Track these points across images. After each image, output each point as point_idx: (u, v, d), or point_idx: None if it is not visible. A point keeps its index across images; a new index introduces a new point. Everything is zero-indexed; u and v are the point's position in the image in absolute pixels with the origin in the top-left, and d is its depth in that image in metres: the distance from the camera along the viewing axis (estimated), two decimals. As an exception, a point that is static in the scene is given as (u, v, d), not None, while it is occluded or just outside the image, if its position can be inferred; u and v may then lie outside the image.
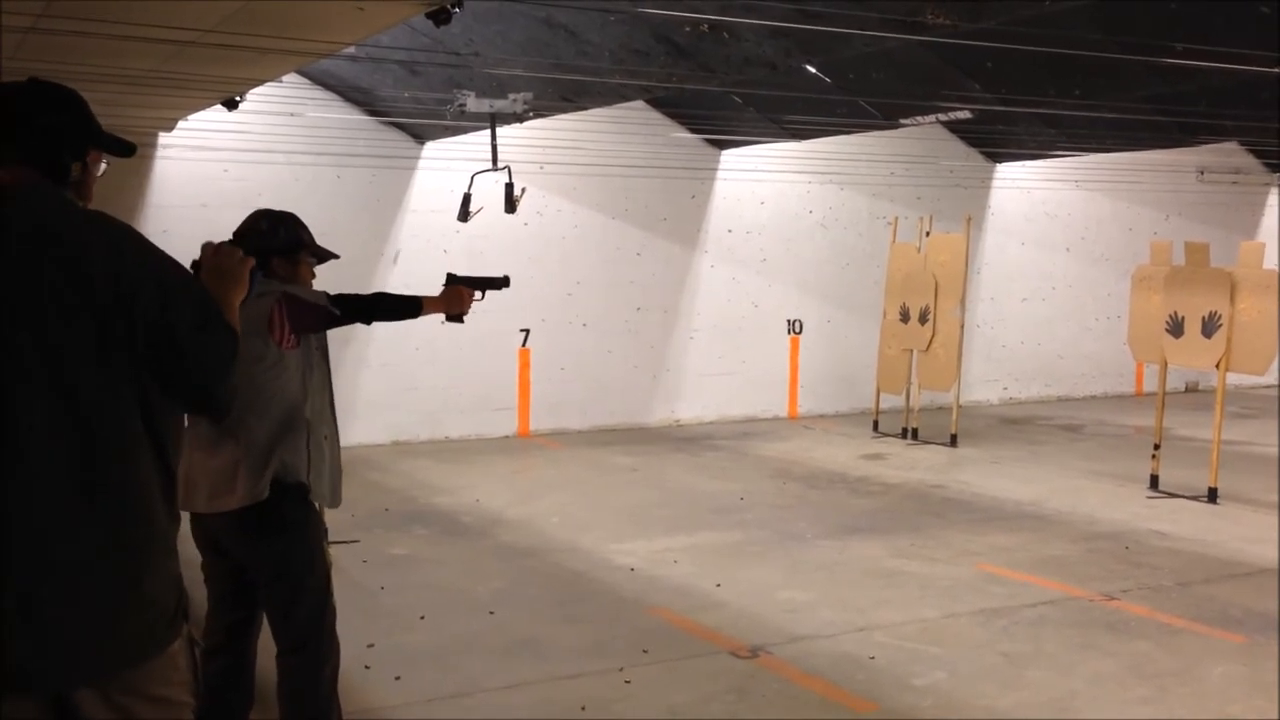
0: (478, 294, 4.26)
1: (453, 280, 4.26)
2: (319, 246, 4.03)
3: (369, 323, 4.19)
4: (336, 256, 4.08)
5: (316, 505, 3.91)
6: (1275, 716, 4.76)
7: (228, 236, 3.90)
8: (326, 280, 4.22)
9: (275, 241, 3.88)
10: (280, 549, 3.80)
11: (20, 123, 2.33)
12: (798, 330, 12.92)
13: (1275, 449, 11.04)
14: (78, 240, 2.21)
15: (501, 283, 4.37)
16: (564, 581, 6.60)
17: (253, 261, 2.57)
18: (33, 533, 2.15)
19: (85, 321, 2.18)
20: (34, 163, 2.32)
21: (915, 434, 11.42)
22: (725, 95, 9.89)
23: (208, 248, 2.56)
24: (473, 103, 8.33)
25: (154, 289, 2.23)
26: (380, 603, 6.15)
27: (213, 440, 3.70)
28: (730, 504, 8.59)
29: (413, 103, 9.27)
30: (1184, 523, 8.09)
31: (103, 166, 2.49)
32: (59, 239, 2.21)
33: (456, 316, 4.24)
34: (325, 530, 4.06)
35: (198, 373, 2.31)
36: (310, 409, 3.82)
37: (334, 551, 6.80)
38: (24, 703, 2.18)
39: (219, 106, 8.20)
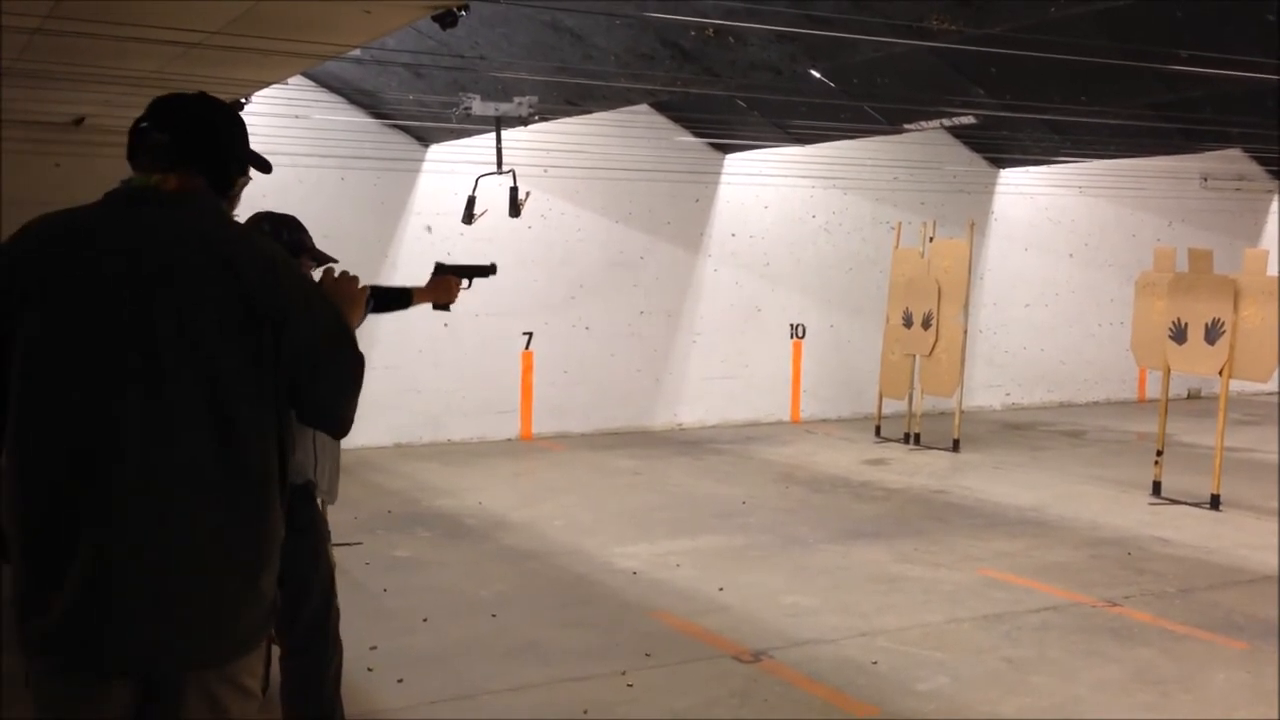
0: (465, 282, 4.26)
1: (441, 269, 4.27)
2: (319, 251, 4.02)
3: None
4: (335, 261, 4.07)
5: (321, 504, 3.90)
6: (1278, 724, 4.76)
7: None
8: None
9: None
10: (286, 550, 3.80)
11: (202, 134, 2.44)
12: (801, 334, 12.92)
13: (1277, 456, 11.03)
14: (237, 252, 2.31)
15: (488, 270, 4.39)
16: (566, 584, 6.60)
17: (368, 290, 2.67)
18: (172, 518, 2.22)
19: (236, 324, 2.26)
20: (206, 172, 2.43)
21: (918, 439, 11.42)
22: (730, 99, 9.90)
23: (329, 275, 2.71)
24: (478, 106, 8.33)
25: (301, 307, 2.34)
26: (383, 605, 6.15)
27: None
28: (733, 508, 8.59)
29: (417, 105, 9.28)
30: (1186, 529, 8.08)
31: (245, 181, 2.61)
32: (221, 247, 2.31)
33: (444, 305, 4.24)
34: (329, 532, 4.06)
35: (328, 391, 2.42)
36: None
37: (337, 553, 6.81)
38: (131, 688, 2.25)
39: (224, 108, 8.20)
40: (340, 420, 2.49)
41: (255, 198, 10.19)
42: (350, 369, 2.43)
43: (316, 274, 4.05)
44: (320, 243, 4.10)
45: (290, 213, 4.11)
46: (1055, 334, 14.54)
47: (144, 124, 2.41)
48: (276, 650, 3.90)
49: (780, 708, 4.83)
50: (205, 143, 2.44)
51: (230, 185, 2.49)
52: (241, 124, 2.54)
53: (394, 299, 4.10)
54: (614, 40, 6.93)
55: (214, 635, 2.26)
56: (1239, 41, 6.74)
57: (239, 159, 2.51)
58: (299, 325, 2.31)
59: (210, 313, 2.25)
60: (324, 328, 2.38)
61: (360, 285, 2.70)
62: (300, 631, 3.85)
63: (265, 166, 2.64)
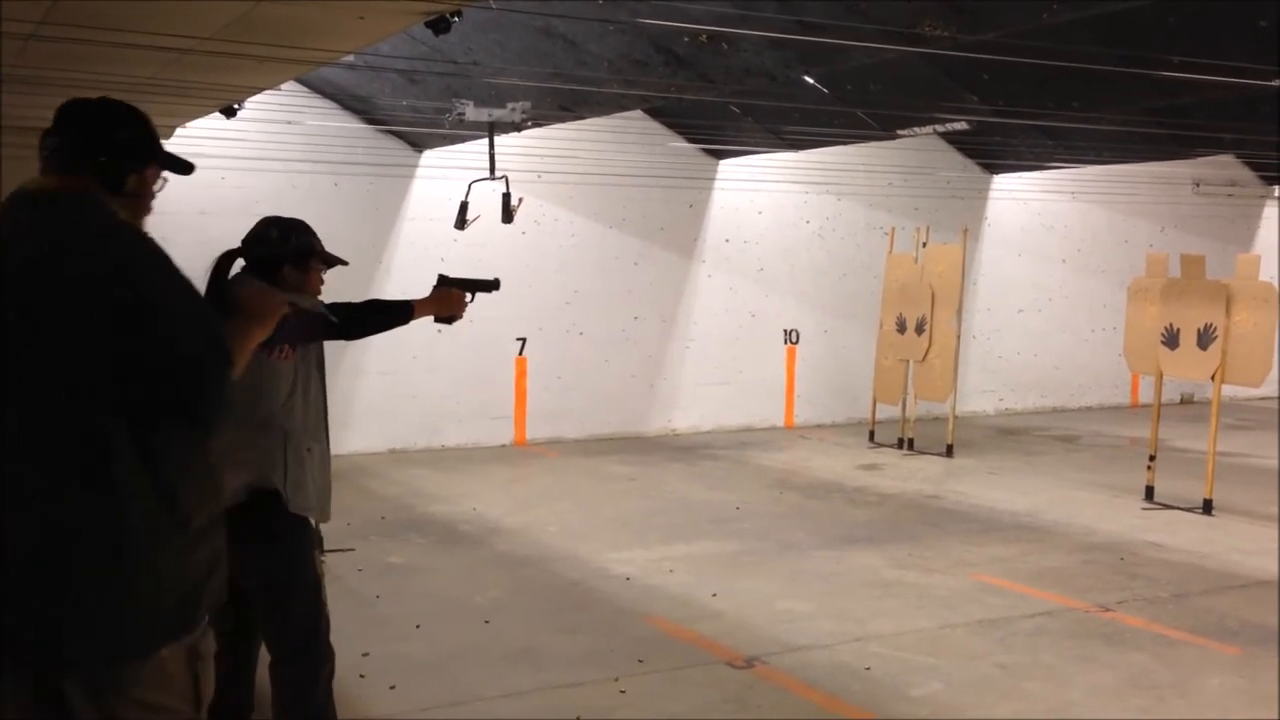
0: (468, 296, 4.20)
1: (444, 282, 4.21)
2: (329, 254, 3.98)
3: (363, 335, 4.16)
4: (345, 263, 4.03)
5: (305, 516, 3.84)
6: (1272, 729, 4.76)
7: (224, 244, 3.89)
8: (325, 288, 4.20)
9: (287, 249, 3.84)
10: (265, 558, 3.77)
11: (88, 136, 2.49)
12: (795, 340, 12.93)
13: (1270, 461, 11.05)
14: (88, 254, 2.33)
15: (492, 285, 4.33)
16: (560, 590, 6.59)
17: (290, 312, 2.64)
18: (13, 522, 2.26)
19: (84, 327, 2.27)
20: (96, 173, 2.47)
21: (911, 444, 11.43)
22: (724, 105, 9.91)
23: (247, 289, 2.70)
24: (471, 112, 8.34)
25: (151, 310, 2.32)
26: (376, 611, 6.14)
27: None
28: (727, 513, 8.59)
29: (411, 111, 9.28)
30: (1179, 534, 8.09)
31: (161, 184, 2.64)
32: (69, 252, 2.32)
33: (447, 318, 4.19)
34: (320, 540, 4.03)
35: (186, 391, 2.38)
36: (294, 420, 3.74)
37: (330, 560, 6.78)
38: (23, 687, 2.29)
39: (217, 114, 8.20)
40: (199, 422, 2.44)
41: (249, 204, 10.15)
42: (207, 372, 2.39)
43: (326, 277, 4.05)
44: (316, 248, 4.06)
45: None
46: (1048, 339, 14.57)
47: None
48: (267, 657, 3.89)
49: (774, 713, 4.83)
50: (88, 143, 2.47)
51: (122, 185, 2.51)
52: (138, 124, 2.56)
53: (395, 313, 4.03)
54: (607, 46, 6.94)
55: (71, 640, 2.27)
56: (1231, 47, 6.76)
57: (133, 160, 2.53)
58: (149, 326, 2.30)
59: (58, 315, 2.27)
60: (180, 328, 2.35)
61: (284, 306, 2.65)
62: (286, 640, 3.83)
63: (183, 168, 2.65)
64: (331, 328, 3.85)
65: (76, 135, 2.49)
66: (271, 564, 3.78)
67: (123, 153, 2.51)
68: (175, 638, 2.37)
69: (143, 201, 2.59)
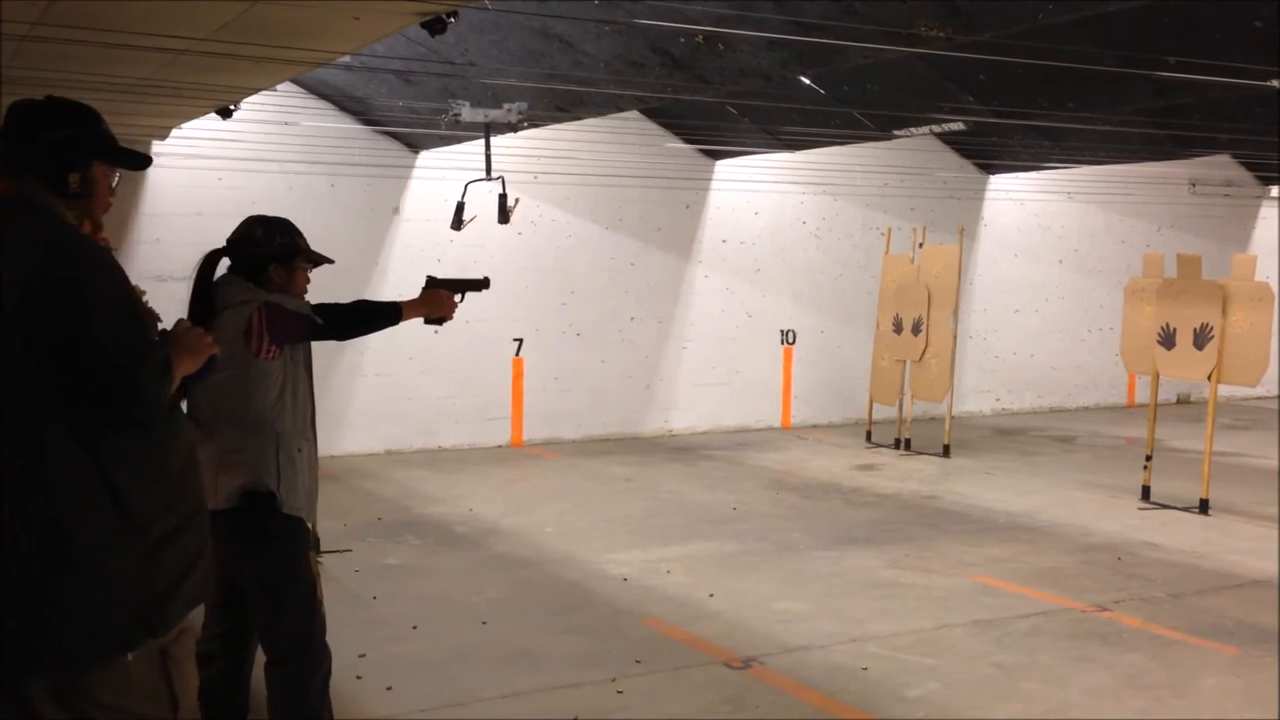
0: (457, 296, 4.19)
1: (433, 283, 4.20)
2: (314, 252, 3.97)
3: (351, 336, 4.13)
4: (331, 261, 4.01)
5: (299, 517, 3.83)
6: (1269, 728, 4.77)
7: (220, 244, 3.89)
8: (321, 288, 4.20)
9: (272, 249, 3.83)
10: (259, 559, 3.77)
11: (27, 136, 2.47)
12: (791, 340, 12.93)
13: (1266, 460, 11.07)
14: (25, 262, 2.30)
15: (481, 284, 4.31)
16: (558, 591, 6.59)
17: (216, 351, 2.62)
18: None
19: (25, 332, 2.27)
20: (39, 174, 2.44)
21: (908, 445, 11.43)
22: (720, 106, 9.91)
23: (178, 325, 2.64)
24: (467, 112, 8.34)
25: (85, 318, 2.31)
26: (373, 612, 6.13)
27: (201, 438, 3.71)
28: (724, 514, 8.59)
29: (407, 112, 9.27)
30: (1176, 534, 8.10)
31: (115, 180, 2.59)
32: (7, 262, 2.29)
33: (437, 320, 4.17)
34: (316, 541, 4.03)
35: (123, 397, 2.37)
36: (284, 421, 3.74)
37: (326, 561, 6.80)
38: None
39: (213, 115, 8.19)
40: (135, 416, 2.42)
41: (245, 204, 10.17)
42: (134, 364, 2.38)
43: (313, 275, 4.04)
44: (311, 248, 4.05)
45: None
46: (1045, 339, 14.58)
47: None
48: (263, 658, 3.89)
49: (771, 714, 4.83)
50: (29, 145, 2.45)
51: (64, 186, 2.47)
52: (84, 122, 2.54)
53: (383, 314, 4.00)
54: (603, 47, 6.94)
55: (26, 647, 2.26)
56: (1227, 48, 6.76)
57: (74, 158, 2.49)
58: (68, 320, 2.29)
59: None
60: (100, 323, 2.34)
61: (210, 345, 2.62)
62: (281, 641, 3.83)
63: (134, 162, 2.62)
64: (317, 329, 3.82)
65: (17, 136, 2.47)
66: (266, 565, 3.77)
67: (62, 153, 2.47)
68: (137, 642, 2.37)
69: (93, 200, 2.54)
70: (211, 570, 2.57)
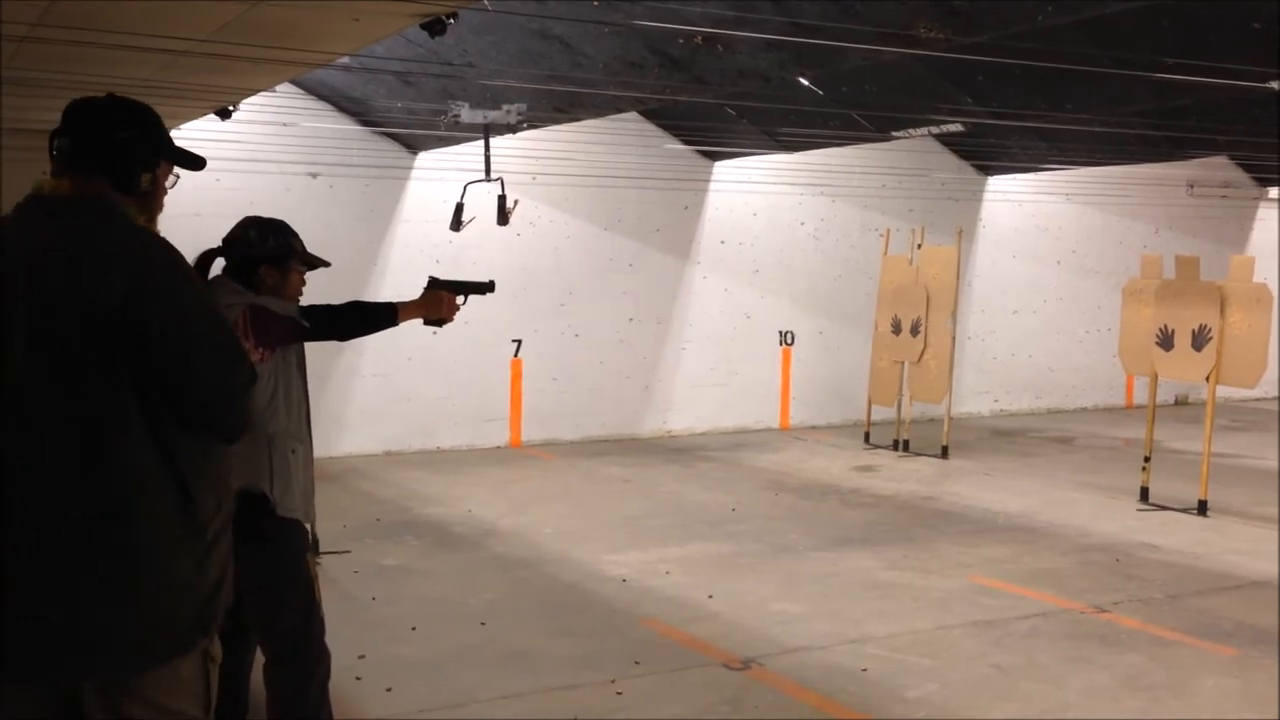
0: (460, 298, 4.14)
1: (434, 284, 4.15)
2: (310, 254, 3.94)
3: (346, 338, 4.11)
4: (328, 264, 3.96)
5: (294, 518, 3.82)
6: (1267, 729, 4.77)
7: (214, 246, 3.89)
8: (319, 289, 4.19)
9: (264, 250, 3.81)
10: (255, 561, 3.75)
11: (97, 135, 2.45)
12: (790, 341, 12.94)
13: (1264, 461, 11.07)
14: (107, 272, 2.29)
15: (486, 288, 4.26)
16: (556, 593, 6.59)
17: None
18: (33, 532, 2.25)
19: (102, 335, 2.26)
20: (107, 174, 2.43)
21: (907, 446, 11.43)
22: (719, 107, 9.91)
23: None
24: (466, 113, 8.34)
25: (162, 317, 2.30)
26: (372, 613, 6.13)
27: None
28: (722, 515, 8.59)
29: (406, 113, 9.27)
30: (1174, 535, 8.10)
31: (173, 179, 2.62)
32: (90, 270, 2.29)
33: (437, 321, 4.11)
34: (316, 542, 4.02)
35: (202, 398, 2.37)
36: (277, 422, 3.72)
37: (325, 562, 6.79)
38: (31, 693, 2.29)
39: (212, 116, 8.20)
40: (221, 428, 2.44)
41: (244, 205, 10.15)
42: (225, 377, 2.40)
43: (309, 280, 4.03)
44: (310, 250, 4.04)
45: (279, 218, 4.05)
46: (1043, 340, 14.59)
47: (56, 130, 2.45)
48: (262, 659, 3.89)
49: (770, 715, 4.83)
50: (100, 144, 2.43)
51: (135, 185, 2.47)
52: (150, 121, 2.53)
53: (378, 316, 3.96)
54: (603, 48, 6.94)
55: (92, 648, 2.26)
56: (1225, 49, 6.77)
57: (145, 158, 2.49)
58: (164, 334, 2.29)
59: (73, 323, 2.25)
60: (194, 337, 2.34)
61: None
62: (279, 641, 3.82)
63: (194, 163, 2.63)
64: (303, 332, 3.78)
65: (87, 135, 2.45)
66: (262, 567, 3.76)
67: (134, 152, 2.47)
68: (194, 644, 2.39)
69: (156, 200, 2.56)
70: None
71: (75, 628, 2.25)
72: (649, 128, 11.76)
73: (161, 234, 2.50)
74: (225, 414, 2.41)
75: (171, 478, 2.33)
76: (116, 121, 2.48)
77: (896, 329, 11.50)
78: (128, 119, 2.50)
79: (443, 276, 4.24)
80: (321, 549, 7.00)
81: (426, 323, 4.13)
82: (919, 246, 11.49)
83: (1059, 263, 14.65)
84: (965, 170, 13.82)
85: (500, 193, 9.11)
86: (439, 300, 4.10)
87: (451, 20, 4.88)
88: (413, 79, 8.22)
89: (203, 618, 2.39)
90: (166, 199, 2.64)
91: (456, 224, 9.34)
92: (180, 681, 2.36)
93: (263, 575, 3.78)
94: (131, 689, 2.30)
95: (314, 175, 7.64)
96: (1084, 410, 14.82)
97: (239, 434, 2.48)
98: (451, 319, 4.15)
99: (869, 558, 7.37)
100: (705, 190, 12.42)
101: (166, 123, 2.55)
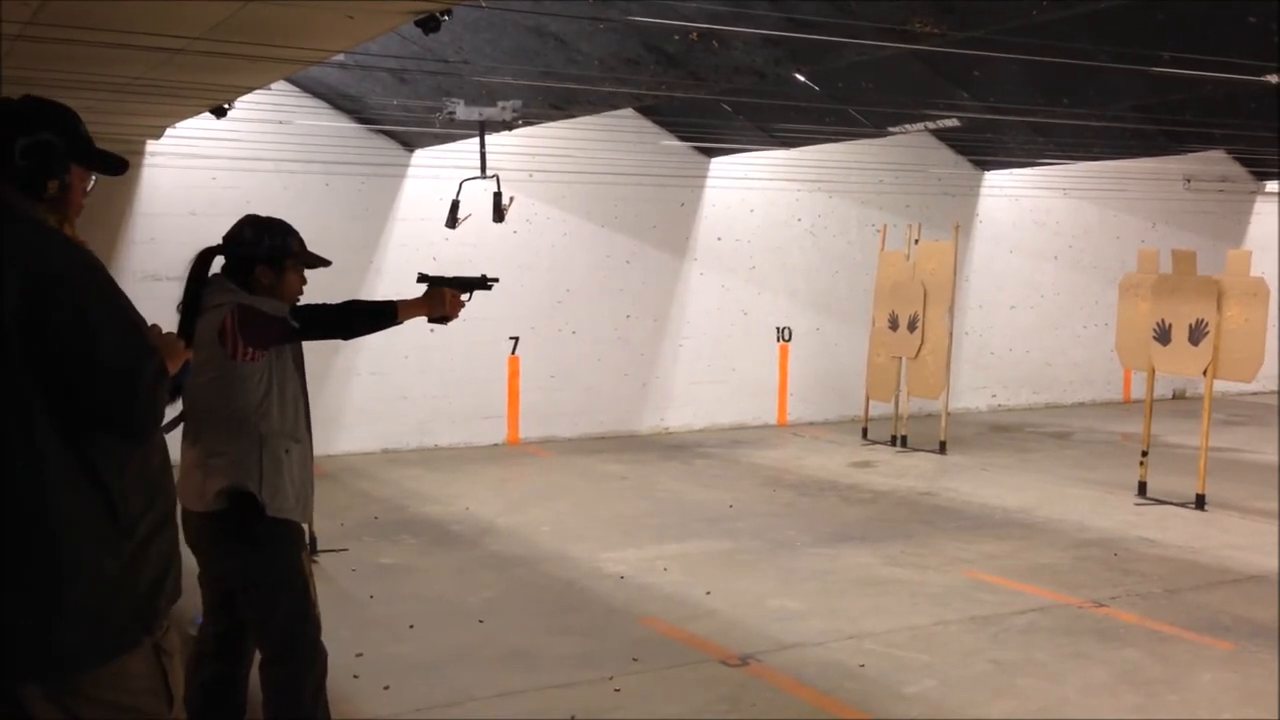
0: (464, 295, 4.08)
1: (437, 282, 4.10)
2: (309, 254, 3.89)
3: (345, 338, 4.08)
4: (328, 263, 3.92)
5: (287, 518, 3.78)
6: (1265, 724, 4.77)
7: (215, 244, 3.87)
8: (316, 287, 4.17)
9: (260, 250, 3.77)
10: (248, 560, 3.74)
11: (3, 139, 2.40)
12: (787, 338, 12.93)
13: (1262, 456, 11.08)
14: (8, 268, 2.25)
15: (486, 283, 4.21)
16: (554, 590, 6.59)
17: (189, 356, 2.61)
18: None
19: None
20: (11, 178, 2.39)
21: (904, 441, 11.43)
22: (715, 103, 9.90)
23: (154, 329, 2.59)
24: (462, 110, 8.33)
25: (62, 308, 2.27)
26: (369, 612, 6.13)
27: (189, 440, 3.72)
28: (720, 512, 8.59)
29: (402, 110, 9.26)
30: (1172, 530, 8.10)
31: (91, 183, 2.54)
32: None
33: (441, 318, 4.07)
34: (313, 542, 4.02)
35: (116, 405, 2.34)
36: (270, 422, 3.69)
37: (323, 561, 6.80)
38: None
39: (208, 114, 8.18)
40: (126, 429, 2.40)
41: (240, 204, 10.13)
42: (128, 377, 2.34)
43: (308, 276, 4.00)
44: (306, 248, 4.00)
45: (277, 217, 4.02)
46: (1040, 335, 14.59)
47: None
48: (259, 657, 3.88)
49: (768, 712, 4.83)
50: (4, 149, 2.39)
51: (41, 189, 2.42)
52: (65, 125, 2.49)
53: (376, 315, 3.92)
54: (598, 45, 6.93)
55: (15, 652, 2.26)
56: (1222, 43, 6.77)
57: (51, 163, 2.44)
58: (60, 331, 2.26)
59: None
60: (95, 335, 2.31)
61: (181, 347, 2.59)
62: (274, 641, 3.81)
63: (113, 167, 2.57)
64: (293, 332, 3.74)
65: None
66: (254, 567, 3.75)
67: (39, 157, 2.42)
68: (138, 641, 2.38)
69: (69, 205, 2.50)
70: (181, 565, 2.58)
71: (7, 633, 2.25)
72: (645, 124, 11.75)
73: (76, 236, 2.48)
74: (127, 408, 2.35)
75: (88, 479, 2.31)
76: (23, 126, 2.43)
77: (894, 324, 11.50)
78: (36, 123, 2.45)
79: (435, 274, 4.19)
80: (319, 547, 7.00)
81: (430, 320, 4.09)
82: (916, 242, 11.48)
83: (1056, 258, 14.65)
84: (962, 165, 13.81)
85: (496, 190, 9.10)
86: (442, 297, 4.05)
87: (446, 17, 4.88)
88: (408, 76, 8.21)
89: (143, 615, 2.39)
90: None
91: (453, 221, 9.33)
92: (130, 678, 2.36)
93: (255, 576, 3.76)
94: (78, 689, 2.30)
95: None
96: (1081, 405, 14.83)
97: (146, 431, 2.43)
98: (456, 316, 4.10)
99: (867, 554, 7.37)
100: (702, 187, 12.41)
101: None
